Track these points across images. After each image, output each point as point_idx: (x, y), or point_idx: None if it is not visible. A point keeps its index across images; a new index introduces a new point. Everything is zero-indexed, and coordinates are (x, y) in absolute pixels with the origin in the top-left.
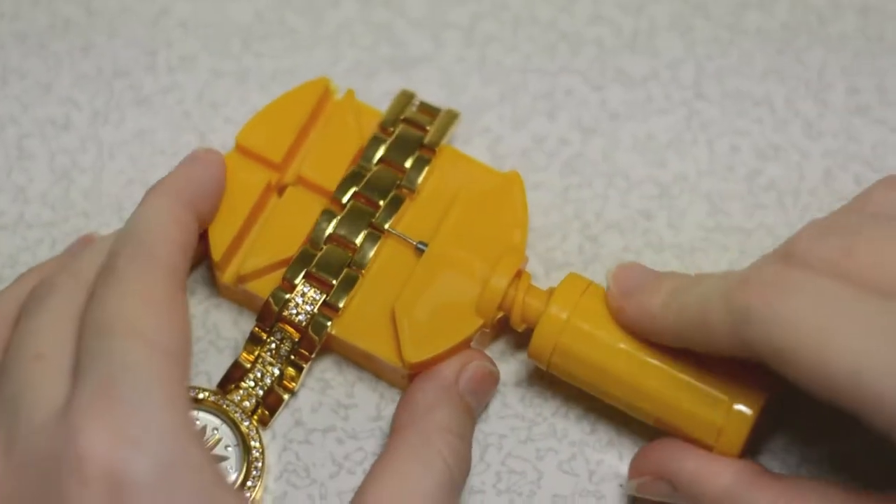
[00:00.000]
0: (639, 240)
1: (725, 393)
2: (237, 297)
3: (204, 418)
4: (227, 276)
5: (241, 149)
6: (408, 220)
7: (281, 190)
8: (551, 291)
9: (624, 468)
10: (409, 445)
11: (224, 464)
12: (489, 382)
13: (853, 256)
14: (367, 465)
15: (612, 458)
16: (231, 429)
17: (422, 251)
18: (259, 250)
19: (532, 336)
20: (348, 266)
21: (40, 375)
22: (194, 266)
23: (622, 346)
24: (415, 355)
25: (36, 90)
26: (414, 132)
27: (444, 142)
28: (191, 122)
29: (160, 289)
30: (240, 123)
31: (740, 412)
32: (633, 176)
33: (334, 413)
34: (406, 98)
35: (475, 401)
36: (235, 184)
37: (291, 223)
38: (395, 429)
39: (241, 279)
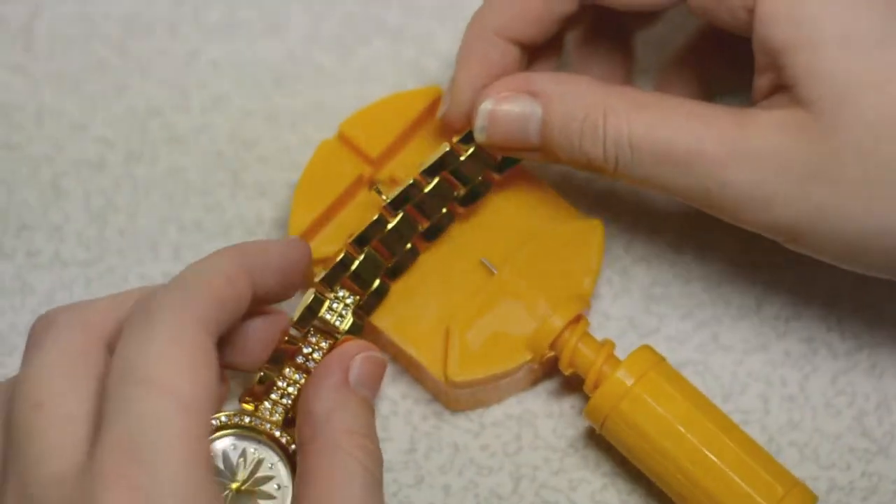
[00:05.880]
0: (667, 272)
1: (782, 484)
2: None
3: (259, 451)
4: None
5: (342, 137)
6: (482, 238)
7: (371, 184)
8: (610, 352)
9: (656, 501)
10: (323, 458)
11: (283, 491)
12: (379, 369)
13: None
14: (401, 497)
15: (644, 488)
16: (283, 464)
17: (492, 273)
18: (333, 239)
19: (593, 396)
20: (392, 275)
21: (43, 425)
22: None
23: (682, 427)
24: (458, 374)
25: (71, 130)
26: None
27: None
28: (223, 161)
29: (189, 337)
30: (272, 161)
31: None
32: (660, 210)
33: None
34: None
35: (370, 391)
36: (328, 169)
37: (369, 220)
38: (303, 444)
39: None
